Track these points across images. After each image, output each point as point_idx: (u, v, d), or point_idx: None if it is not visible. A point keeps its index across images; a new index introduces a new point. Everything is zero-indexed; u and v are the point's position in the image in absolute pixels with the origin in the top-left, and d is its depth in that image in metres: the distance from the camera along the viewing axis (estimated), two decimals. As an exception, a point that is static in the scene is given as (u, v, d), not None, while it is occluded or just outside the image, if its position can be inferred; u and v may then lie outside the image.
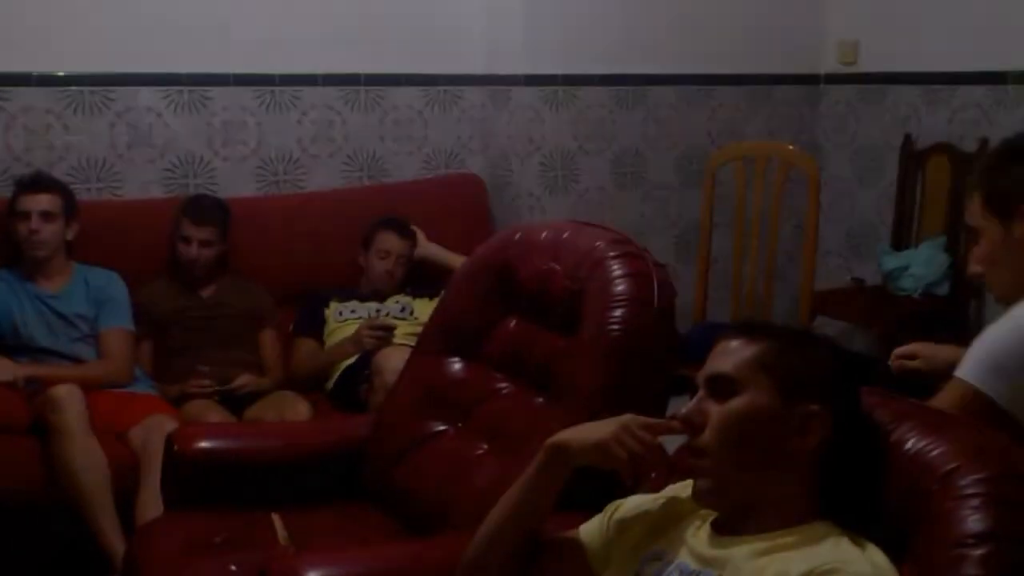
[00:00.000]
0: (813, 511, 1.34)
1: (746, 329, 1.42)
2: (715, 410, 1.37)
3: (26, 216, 3.08)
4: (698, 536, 1.40)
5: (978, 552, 1.21)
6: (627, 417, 1.45)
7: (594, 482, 1.49)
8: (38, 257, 3.11)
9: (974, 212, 1.88)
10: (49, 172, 3.33)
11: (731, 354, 1.39)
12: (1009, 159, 1.86)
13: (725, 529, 1.37)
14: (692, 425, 1.38)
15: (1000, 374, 1.74)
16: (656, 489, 1.53)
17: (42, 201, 3.09)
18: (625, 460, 1.42)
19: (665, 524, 1.47)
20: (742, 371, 1.36)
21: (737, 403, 1.35)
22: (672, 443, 1.51)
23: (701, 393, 1.40)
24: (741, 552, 1.32)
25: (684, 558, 1.39)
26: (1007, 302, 1.85)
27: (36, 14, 3.39)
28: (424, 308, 3.33)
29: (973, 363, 1.76)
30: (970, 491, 1.26)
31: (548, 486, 1.50)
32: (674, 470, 1.44)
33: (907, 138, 4.20)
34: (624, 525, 1.50)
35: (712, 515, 1.42)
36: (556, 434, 1.51)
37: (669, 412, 2.15)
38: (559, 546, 1.55)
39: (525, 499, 1.52)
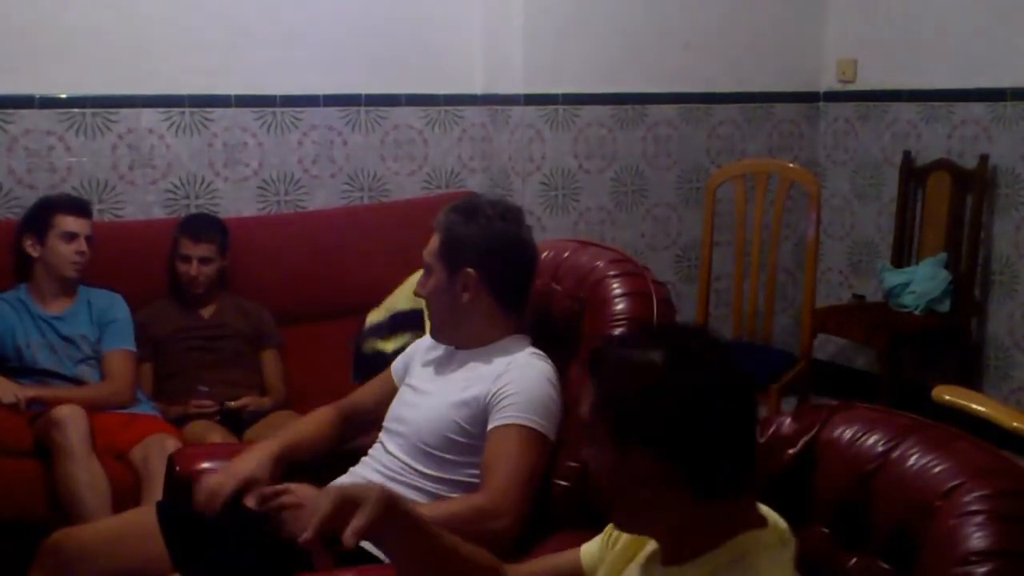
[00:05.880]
0: (736, 525, 1.30)
1: (591, 362, 1.34)
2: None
3: (73, 238, 3.12)
4: (649, 569, 1.38)
5: (983, 569, 1.20)
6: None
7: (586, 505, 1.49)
8: (73, 279, 3.16)
9: (431, 250, 2.07)
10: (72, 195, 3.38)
11: (585, 397, 1.33)
12: (465, 216, 2.06)
13: (667, 559, 1.34)
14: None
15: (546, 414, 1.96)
16: None
17: (85, 225, 3.16)
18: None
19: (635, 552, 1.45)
20: (591, 419, 1.31)
21: (588, 455, 1.33)
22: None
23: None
24: None
25: None
26: (440, 337, 2.11)
27: (38, 37, 3.41)
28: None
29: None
30: (974, 508, 1.25)
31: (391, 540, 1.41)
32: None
33: (907, 155, 4.21)
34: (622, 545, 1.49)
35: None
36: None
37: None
38: (559, 565, 1.54)
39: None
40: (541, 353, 2.06)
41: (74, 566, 2.06)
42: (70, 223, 3.13)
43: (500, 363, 2.00)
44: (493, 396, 1.96)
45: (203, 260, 3.33)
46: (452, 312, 2.05)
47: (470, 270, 2.03)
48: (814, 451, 1.44)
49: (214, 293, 3.39)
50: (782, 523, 1.33)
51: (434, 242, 2.06)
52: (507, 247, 2.07)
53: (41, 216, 3.16)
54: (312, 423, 2.27)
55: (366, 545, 1.71)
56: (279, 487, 1.87)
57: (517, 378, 1.96)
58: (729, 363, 1.30)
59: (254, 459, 2.09)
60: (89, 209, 3.25)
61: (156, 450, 2.75)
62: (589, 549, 1.53)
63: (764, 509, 1.34)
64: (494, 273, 2.05)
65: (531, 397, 1.95)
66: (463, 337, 2.08)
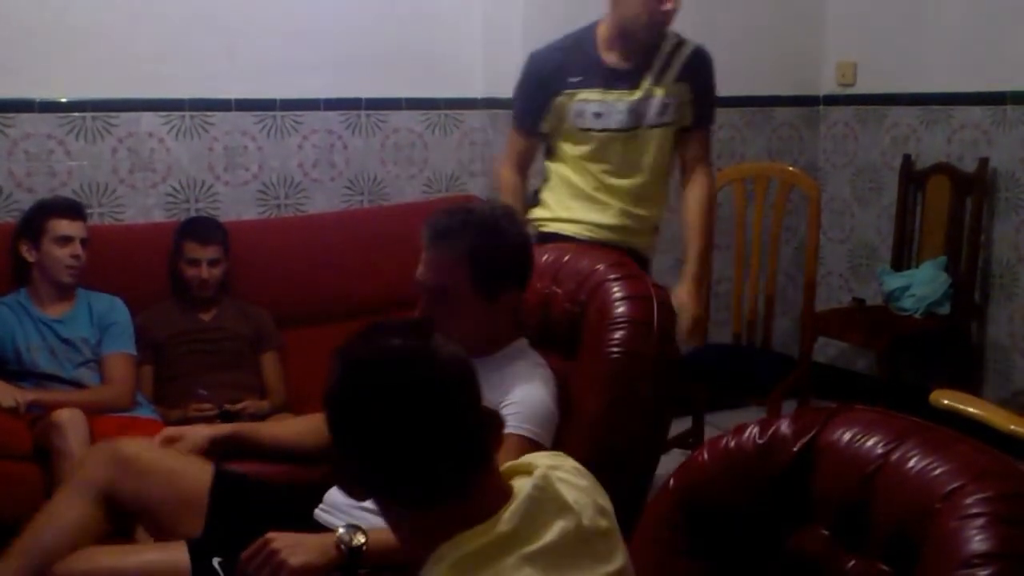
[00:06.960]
0: (438, 535, 1.25)
1: None
2: None
3: (68, 241, 3.12)
4: None
5: (984, 572, 1.20)
6: None
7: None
8: (69, 283, 3.15)
9: (455, 278, 1.95)
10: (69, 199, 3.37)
11: None
12: (493, 236, 1.98)
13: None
14: None
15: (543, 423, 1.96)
16: None
17: (79, 229, 3.15)
18: None
19: None
20: None
21: None
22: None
23: None
24: None
25: None
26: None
27: (38, 41, 3.41)
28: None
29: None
30: (975, 510, 1.25)
31: None
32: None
33: (907, 159, 4.21)
34: None
35: None
36: None
37: (672, 434, 2.14)
38: None
39: None
40: (542, 361, 2.06)
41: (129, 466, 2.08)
42: (64, 227, 3.13)
43: (507, 372, 2.00)
44: (497, 406, 1.97)
45: (212, 263, 3.34)
46: (478, 331, 1.97)
47: (515, 290, 2.00)
48: (814, 453, 1.44)
49: (216, 296, 3.39)
50: (505, 514, 1.23)
51: (454, 266, 1.95)
52: (530, 256, 2.06)
53: (35, 220, 3.16)
54: (301, 423, 2.38)
55: None
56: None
57: (519, 388, 1.96)
58: (400, 369, 1.31)
59: (189, 439, 2.21)
60: (83, 212, 3.24)
61: (156, 454, 2.75)
62: None
63: (525, 475, 1.30)
64: (526, 285, 2.05)
65: (531, 407, 1.95)
66: (476, 348, 2.06)
